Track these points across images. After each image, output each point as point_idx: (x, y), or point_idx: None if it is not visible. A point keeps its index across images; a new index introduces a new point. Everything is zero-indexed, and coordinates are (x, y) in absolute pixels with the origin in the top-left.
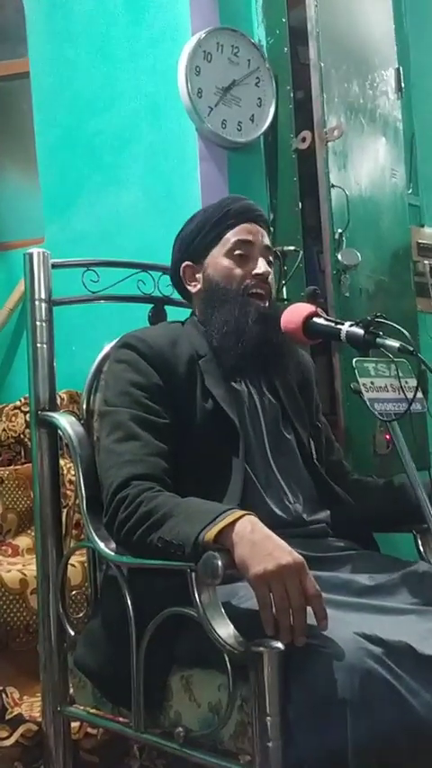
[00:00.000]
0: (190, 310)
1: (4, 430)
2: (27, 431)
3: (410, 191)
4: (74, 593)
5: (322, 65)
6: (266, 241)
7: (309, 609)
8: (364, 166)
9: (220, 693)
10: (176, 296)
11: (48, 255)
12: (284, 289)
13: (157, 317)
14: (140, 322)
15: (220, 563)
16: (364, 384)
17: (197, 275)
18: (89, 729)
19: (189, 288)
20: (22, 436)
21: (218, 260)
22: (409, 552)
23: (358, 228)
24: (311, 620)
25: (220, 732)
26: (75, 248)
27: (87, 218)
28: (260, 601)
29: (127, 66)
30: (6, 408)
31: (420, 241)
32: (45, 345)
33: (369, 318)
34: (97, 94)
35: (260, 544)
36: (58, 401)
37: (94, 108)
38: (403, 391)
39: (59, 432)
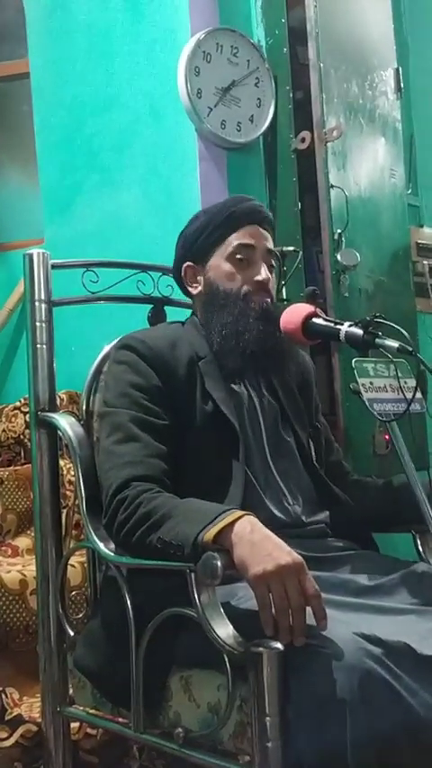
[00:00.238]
0: (190, 311)
1: (3, 430)
2: (27, 431)
3: (410, 191)
4: (73, 593)
5: (321, 65)
6: (269, 245)
7: (308, 609)
8: (364, 167)
9: (220, 694)
10: (176, 296)
11: (47, 256)
12: (284, 289)
13: (156, 317)
14: (140, 322)
15: (219, 563)
16: (363, 384)
17: (198, 277)
18: (89, 730)
19: (190, 289)
20: (21, 437)
21: (219, 263)
22: (409, 552)
23: (357, 229)
24: (311, 620)
25: (220, 732)
26: (74, 249)
27: (87, 218)
28: (259, 601)
29: (127, 66)
30: (6, 409)
31: (419, 241)
32: (45, 346)
33: (368, 319)
34: (97, 95)
35: (259, 544)
36: (58, 402)
37: (94, 108)
38: (402, 391)
39: (59, 432)
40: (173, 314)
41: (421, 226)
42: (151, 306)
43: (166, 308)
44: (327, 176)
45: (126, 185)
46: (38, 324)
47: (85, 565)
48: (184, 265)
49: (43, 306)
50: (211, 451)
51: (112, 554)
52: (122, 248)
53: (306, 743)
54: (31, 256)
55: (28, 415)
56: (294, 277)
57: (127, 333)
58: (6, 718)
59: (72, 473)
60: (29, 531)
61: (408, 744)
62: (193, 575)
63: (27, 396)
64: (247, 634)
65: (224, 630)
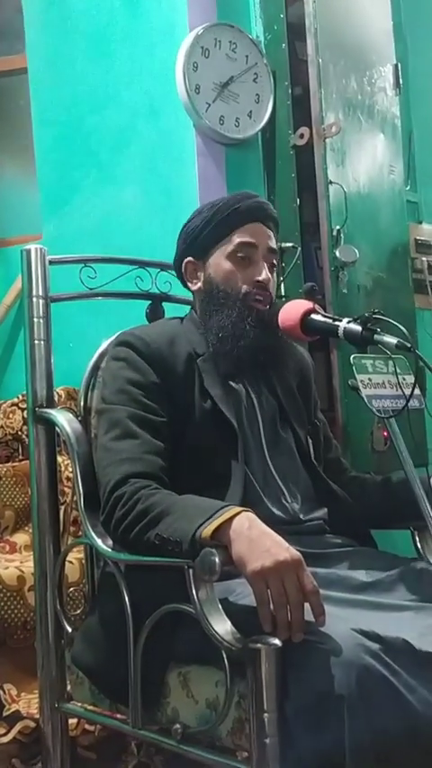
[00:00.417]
0: (188, 308)
1: (1, 427)
2: (25, 428)
3: (408, 187)
4: (71, 589)
5: (320, 61)
6: (272, 243)
7: (306, 605)
8: (362, 163)
9: (218, 690)
10: (174, 292)
11: (45, 252)
12: (282, 285)
13: (154, 313)
14: (138, 318)
15: (217, 559)
16: (361, 381)
17: (198, 273)
18: (87, 726)
19: (190, 285)
20: (19, 433)
21: (219, 261)
22: (407, 549)
23: (356, 225)
24: (309, 616)
25: (218, 728)
26: (72, 244)
27: (85, 214)
28: (258, 597)
29: (125, 62)
30: (4, 405)
31: (418, 238)
32: (42, 342)
33: (367, 315)
34: (95, 90)
35: (257, 540)
36: (56, 398)
37: (92, 104)
38: (401, 388)
39: (57, 428)
40: (171, 310)
41: (420, 222)
42: (149, 302)
43: (164, 304)
44: (325, 172)
45: (124, 181)
46: (36, 320)
47: (83, 561)
48: (185, 261)
49: (41, 302)
50: (210, 449)
51: (110, 550)
52: (120, 244)
53: (304, 739)
54: (28, 252)
55: (26, 412)
56: (293, 273)
57: (125, 329)
58: (4, 714)
59: (70, 469)
60: (27, 528)
61: (406, 740)
62: (191, 571)
63: (25, 392)
64: (245, 630)
65: (222, 627)
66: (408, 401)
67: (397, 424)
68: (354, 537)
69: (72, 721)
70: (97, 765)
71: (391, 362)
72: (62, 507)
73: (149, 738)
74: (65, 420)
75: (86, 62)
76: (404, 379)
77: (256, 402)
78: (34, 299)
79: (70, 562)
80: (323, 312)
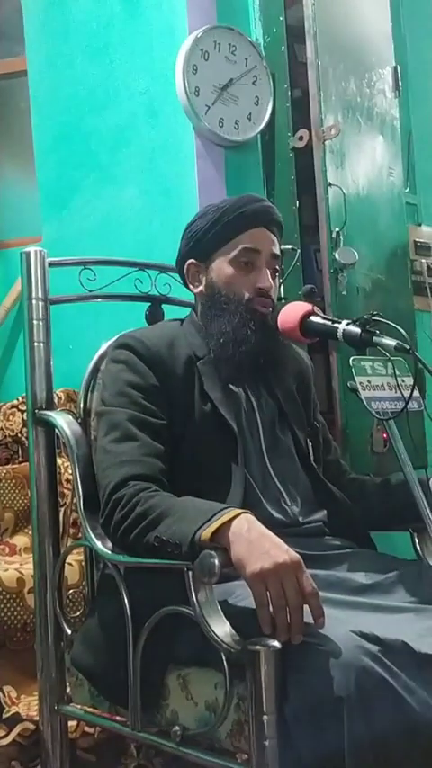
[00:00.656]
0: (188, 310)
1: (1, 429)
2: (24, 430)
3: (407, 189)
4: (71, 591)
5: (319, 63)
6: (275, 249)
7: (306, 607)
8: (362, 165)
9: (217, 692)
10: (174, 294)
11: (45, 254)
12: (282, 287)
13: (154, 315)
14: (137, 321)
15: (216, 561)
16: (360, 383)
17: (200, 276)
18: (86, 728)
19: (191, 287)
20: (19, 435)
21: (222, 266)
22: (407, 551)
23: (355, 227)
24: (308, 618)
25: (217, 731)
26: (72, 246)
27: (84, 216)
28: (257, 599)
29: (124, 64)
30: (4, 407)
31: (417, 240)
32: (42, 344)
33: (366, 317)
34: (94, 93)
35: (257, 542)
36: (56, 400)
37: (92, 106)
38: (400, 390)
39: (56, 431)
40: (170, 312)
41: (419, 224)
42: (149, 304)
43: (163, 306)
44: (325, 174)
45: (124, 183)
46: (35, 322)
47: (83, 563)
48: (188, 262)
49: (40, 304)
50: (210, 452)
51: (110, 552)
52: (120, 246)
53: (303, 741)
54: (28, 254)
55: (26, 414)
56: (292, 275)
57: (124, 331)
58: (4, 716)
59: (70, 471)
60: (26, 530)
61: (405, 741)
62: (190, 573)
63: (25, 394)
64: (244, 632)
65: (221, 629)
66: (407, 403)
67: (396, 425)
68: (353, 539)
69: (72, 723)
70: (97, 767)
71: (390, 364)
72: (62, 509)
73: (149, 740)
74: (64, 422)
75: (86, 64)
76: (403, 380)
77: (256, 405)
78: (34, 302)
79: (70, 564)
80: (322, 314)
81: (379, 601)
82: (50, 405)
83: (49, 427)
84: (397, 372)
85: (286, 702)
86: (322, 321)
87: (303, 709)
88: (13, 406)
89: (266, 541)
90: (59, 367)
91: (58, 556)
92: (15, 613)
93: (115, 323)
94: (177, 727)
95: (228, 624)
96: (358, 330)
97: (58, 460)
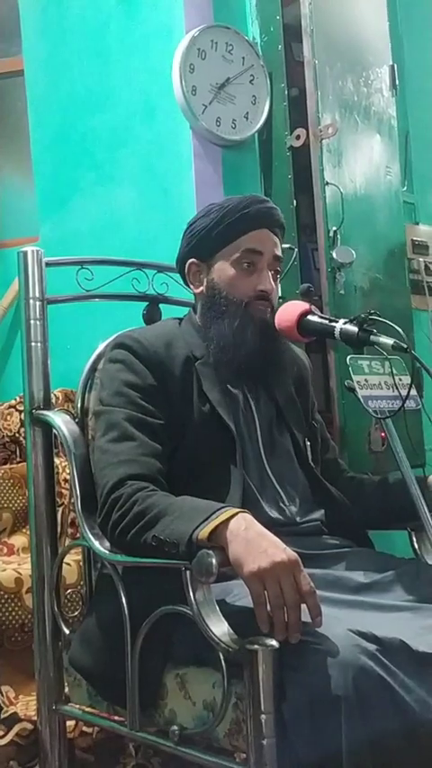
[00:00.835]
0: (185, 310)
1: None
2: (22, 430)
3: (405, 188)
4: (69, 591)
5: (316, 62)
6: (277, 251)
7: (303, 606)
8: (359, 164)
9: (215, 691)
10: (171, 294)
11: (42, 254)
12: (279, 287)
13: (151, 315)
14: (135, 320)
15: (214, 561)
16: (358, 381)
17: (201, 276)
18: (84, 728)
19: (192, 287)
20: (17, 435)
21: (224, 267)
22: (404, 549)
23: (353, 226)
24: (306, 617)
25: (215, 730)
26: (69, 246)
27: (82, 216)
28: (255, 598)
29: (121, 63)
30: (1, 407)
31: (415, 238)
32: (39, 344)
33: (363, 316)
34: (91, 92)
35: (254, 541)
36: (53, 400)
37: (89, 106)
38: (397, 388)
39: (54, 430)
40: (168, 311)
41: (417, 223)
42: (146, 303)
43: (161, 305)
44: (322, 173)
45: (121, 183)
46: (32, 322)
47: (81, 563)
48: (188, 262)
49: (38, 303)
50: (208, 452)
51: (108, 552)
52: (117, 246)
53: (301, 739)
54: (25, 254)
55: (23, 414)
56: (290, 274)
57: (122, 331)
58: (2, 716)
59: (67, 471)
60: (24, 530)
61: (403, 740)
62: (188, 572)
63: (22, 394)
64: (242, 631)
65: (219, 628)
66: (404, 402)
67: (393, 424)
68: (351, 538)
69: (70, 723)
70: (95, 767)
71: (387, 363)
72: (60, 509)
73: (147, 740)
74: (62, 422)
75: (83, 64)
76: (400, 379)
77: (254, 406)
78: (31, 301)
79: (68, 564)
80: (320, 313)
81: (377, 600)
82: (48, 404)
83: (47, 427)
84: (394, 371)
85: (284, 701)
86: (319, 320)
87: (301, 708)
88: (10, 406)
89: (264, 540)
90: (57, 367)
91: (55, 556)
92: (13, 613)
93: (113, 323)
94: (175, 727)
95: (225, 623)
96: (355, 329)
97: (56, 460)
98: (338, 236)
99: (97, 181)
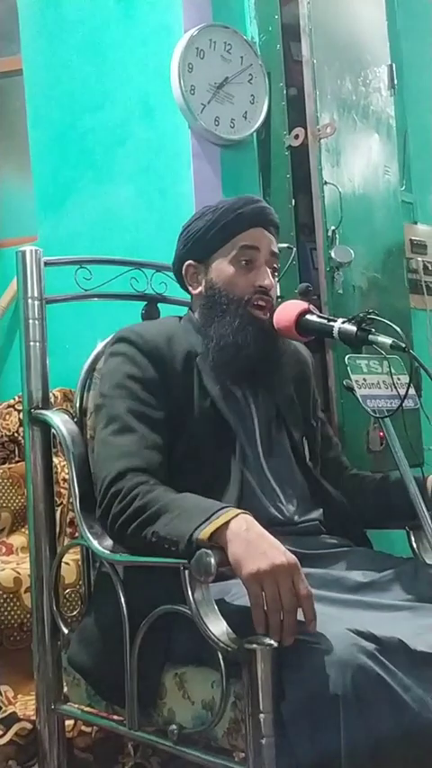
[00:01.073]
0: (184, 309)
1: None
2: (21, 429)
3: (403, 188)
4: (68, 591)
5: (315, 61)
6: (274, 248)
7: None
8: (357, 163)
9: (214, 690)
10: (170, 293)
11: (40, 253)
12: (278, 286)
13: (150, 314)
14: (133, 320)
15: (212, 560)
16: (356, 381)
17: (199, 277)
18: (83, 727)
19: (190, 288)
20: (16, 434)
21: (222, 266)
22: (403, 549)
23: (351, 225)
24: (302, 618)
25: (214, 729)
26: (68, 246)
27: (80, 215)
28: (252, 599)
29: (120, 63)
30: (0, 407)
31: (413, 238)
32: (38, 343)
33: (362, 315)
34: (90, 92)
35: (254, 543)
36: (52, 399)
37: (87, 105)
38: (396, 388)
39: (53, 430)
40: (166, 311)
41: (415, 222)
42: (145, 303)
43: (159, 305)
44: (320, 173)
45: (119, 182)
46: (31, 321)
47: (80, 563)
48: (186, 264)
49: (36, 303)
50: (207, 447)
51: (106, 551)
52: (116, 245)
53: (300, 739)
54: (23, 253)
55: (22, 413)
56: (288, 274)
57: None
58: (1, 716)
59: (66, 471)
60: (23, 529)
61: (401, 739)
62: (186, 572)
63: (21, 393)
64: (240, 631)
65: (218, 627)
66: (402, 401)
67: (392, 424)
68: (349, 537)
69: (69, 723)
70: (94, 767)
71: (385, 362)
72: (58, 509)
73: (146, 740)
74: (60, 421)
75: (81, 63)
76: (399, 379)
77: (253, 405)
78: (29, 301)
79: (66, 563)
80: (318, 312)
81: (375, 599)
82: (46, 404)
83: (46, 426)
84: (393, 370)
85: (283, 701)
86: (318, 319)
87: (300, 707)
88: (9, 406)
89: (264, 542)
90: (55, 366)
91: (54, 555)
92: (12, 613)
93: (111, 322)
94: (174, 726)
95: (224, 623)
96: (354, 328)
97: (55, 460)
98: (337, 235)
99: (96, 180)
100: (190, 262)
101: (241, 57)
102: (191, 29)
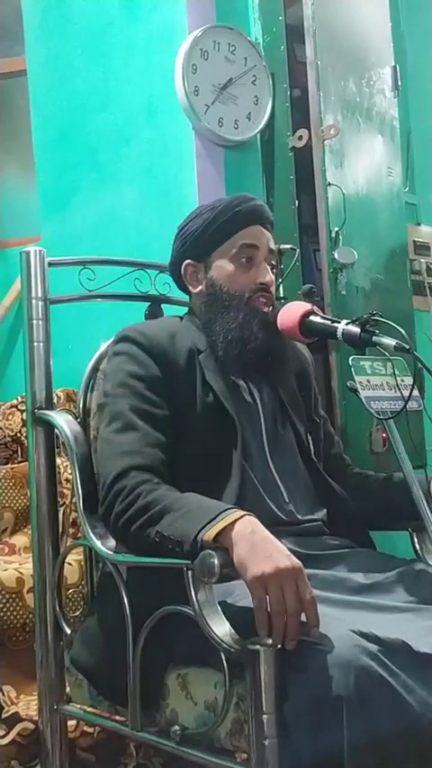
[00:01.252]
0: (187, 309)
1: (0, 429)
2: (24, 429)
3: (407, 189)
4: (70, 591)
5: (319, 63)
6: (271, 244)
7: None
8: (361, 164)
9: (217, 691)
10: (173, 294)
11: (44, 254)
12: (281, 287)
13: (153, 315)
14: (137, 320)
15: (216, 561)
16: (360, 382)
17: (199, 276)
18: (86, 728)
19: (190, 287)
20: (18, 435)
21: (222, 264)
22: (406, 550)
23: (355, 227)
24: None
25: (217, 730)
26: (71, 246)
27: (84, 216)
28: (256, 602)
29: (124, 64)
30: (3, 407)
31: (417, 239)
32: (42, 344)
33: (365, 316)
34: (94, 92)
35: (259, 546)
36: (55, 399)
37: (91, 106)
38: (399, 389)
39: (56, 430)
40: (170, 312)
41: (418, 224)
42: (148, 304)
43: (163, 306)
44: (324, 174)
45: (123, 183)
46: (35, 321)
47: (82, 563)
48: (184, 263)
49: (40, 303)
50: (210, 444)
51: (110, 552)
52: (119, 246)
53: (303, 740)
54: (27, 254)
55: (25, 413)
56: (291, 275)
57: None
58: (3, 716)
59: (69, 471)
60: (26, 530)
61: (404, 741)
62: (190, 572)
63: (24, 394)
64: (243, 632)
65: (221, 628)
66: (406, 403)
67: (395, 425)
68: (352, 538)
69: (71, 723)
70: (96, 767)
71: (389, 364)
72: (61, 509)
73: (148, 740)
74: (64, 422)
75: (85, 64)
76: (402, 380)
77: (258, 398)
78: (33, 301)
79: (69, 564)
80: (322, 314)
81: (378, 600)
82: (50, 404)
83: (49, 427)
84: (396, 372)
85: (286, 702)
86: (322, 321)
87: (303, 708)
88: (12, 406)
89: (269, 545)
90: (59, 367)
91: (57, 555)
92: (15, 613)
93: (115, 323)
94: (177, 727)
95: (227, 624)
96: (358, 330)
97: (58, 460)
98: (340, 236)
99: (99, 181)
100: (189, 261)
101: (245, 58)
102: (195, 30)
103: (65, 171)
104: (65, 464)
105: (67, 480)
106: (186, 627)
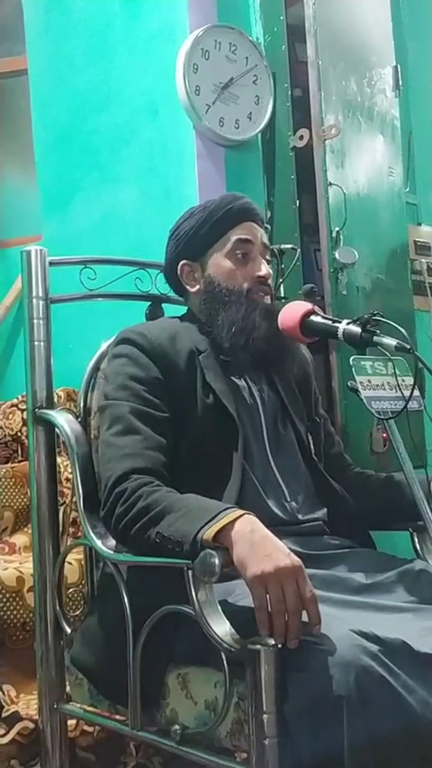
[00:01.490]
0: (186, 309)
1: (1, 428)
2: (24, 429)
3: (408, 189)
4: (71, 590)
5: (320, 62)
6: (265, 239)
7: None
8: (362, 164)
9: (217, 691)
10: (174, 294)
11: (45, 253)
12: (282, 287)
13: (154, 314)
14: (138, 320)
15: (216, 561)
16: (361, 382)
17: (196, 275)
18: (86, 727)
19: (187, 287)
20: (19, 434)
21: (218, 261)
22: (406, 550)
23: (355, 226)
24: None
25: (217, 730)
26: (72, 246)
27: (85, 215)
28: (256, 601)
29: (125, 63)
30: (3, 406)
31: (417, 239)
32: (42, 343)
33: (366, 316)
34: (95, 92)
35: (259, 545)
36: (56, 399)
37: (92, 105)
38: (400, 389)
39: (56, 429)
40: (170, 311)
41: (419, 224)
42: (149, 303)
43: (163, 305)
44: (325, 174)
45: (124, 182)
46: (35, 321)
47: (83, 562)
48: (180, 264)
49: (41, 303)
50: (211, 445)
51: (110, 552)
52: (120, 245)
53: (303, 739)
54: (28, 253)
55: (25, 413)
56: (292, 275)
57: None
58: (3, 715)
59: (69, 470)
60: (26, 529)
61: (404, 741)
62: (190, 572)
63: (24, 393)
64: (243, 631)
65: (221, 628)
66: (407, 403)
67: (396, 425)
68: (353, 538)
69: (71, 722)
70: (96, 766)
71: (390, 364)
72: (61, 508)
73: (148, 739)
74: (64, 421)
75: (86, 63)
76: (403, 380)
77: (258, 398)
78: (34, 301)
79: (69, 563)
80: (322, 314)
81: (378, 600)
82: (50, 403)
83: (49, 426)
84: (397, 372)
85: (286, 701)
86: (323, 320)
87: (303, 707)
88: (12, 405)
89: (269, 544)
90: (59, 366)
91: (57, 555)
92: (15, 612)
93: (115, 322)
94: (177, 726)
95: (227, 623)
96: (358, 330)
97: (58, 459)
98: (341, 236)
99: (100, 180)
100: (185, 261)
101: (246, 57)
102: (196, 30)
103: (66, 170)
104: (65, 463)
105: (68, 479)
106: (187, 626)
